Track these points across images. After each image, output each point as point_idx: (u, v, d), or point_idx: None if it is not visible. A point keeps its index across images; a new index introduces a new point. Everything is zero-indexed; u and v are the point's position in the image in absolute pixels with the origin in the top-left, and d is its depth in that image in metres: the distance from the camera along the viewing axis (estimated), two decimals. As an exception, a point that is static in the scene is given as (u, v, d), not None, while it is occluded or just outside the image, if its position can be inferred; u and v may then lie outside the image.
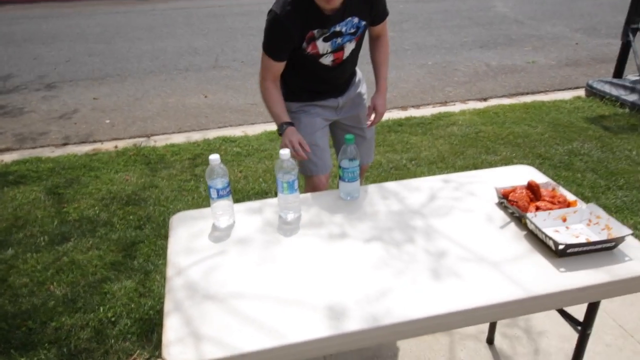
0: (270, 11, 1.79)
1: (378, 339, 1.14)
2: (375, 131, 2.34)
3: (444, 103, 4.70)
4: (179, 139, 4.02)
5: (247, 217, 1.55)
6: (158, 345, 2.02)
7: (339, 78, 2.07)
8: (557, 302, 1.26)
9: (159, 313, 2.18)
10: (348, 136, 1.56)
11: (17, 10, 9.51)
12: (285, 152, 1.48)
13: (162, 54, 6.43)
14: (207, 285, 1.25)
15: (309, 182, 2.13)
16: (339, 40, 1.87)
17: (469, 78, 5.32)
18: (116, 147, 3.90)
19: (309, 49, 1.86)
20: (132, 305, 2.22)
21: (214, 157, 1.45)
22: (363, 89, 2.21)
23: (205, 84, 5.35)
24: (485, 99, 4.76)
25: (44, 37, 7.45)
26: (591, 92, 4.56)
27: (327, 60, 1.93)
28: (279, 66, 1.90)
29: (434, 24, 7.50)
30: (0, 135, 4.28)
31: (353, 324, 1.11)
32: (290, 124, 1.91)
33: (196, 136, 4.05)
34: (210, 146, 3.80)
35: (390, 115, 4.34)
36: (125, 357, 1.98)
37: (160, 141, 3.99)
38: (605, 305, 2.08)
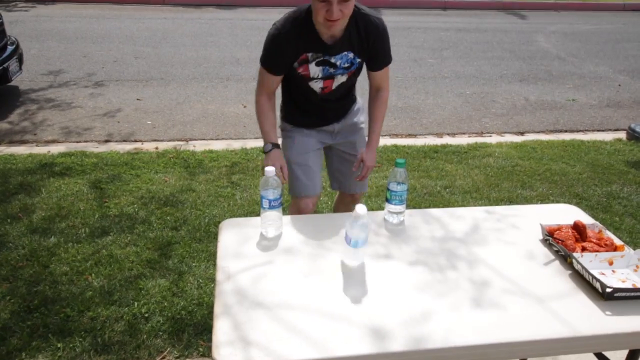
0: (274, 24, 1.85)
1: (420, 362, 1.15)
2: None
3: (480, 134, 4.70)
4: (217, 145, 4.12)
5: (294, 230, 1.59)
6: (188, 345, 2.07)
7: (327, 108, 2.07)
8: (601, 345, 1.26)
9: (191, 314, 2.23)
10: (399, 160, 1.59)
11: (71, 9, 9.94)
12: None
13: (205, 62, 6.62)
14: (255, 292, 1.30)
15: (295, 202, 2.10)
16: (332, 70, 1.91)
17: (506, 111, 5.30)
18: (157, 148, 4.02)
19: (300, 70, 1.90)
20: (165, 304, 2.28)
21: (269, 169, 1.51)
22: (361, 118, 2.20)
23: (245, 94, 5.48)
24: (522, 133, 4.73)
25: (95, 36, 7.76)
26: (633, 135, 4.50)
27: (316, 87, 1.96)
28: (274, 80, 1.94)
29: (474, 54, 7.51)
30: (49, 127, 4.47)
31: (396, 344, 1.14)
32: (277, 145, 1.92)
33: (235, 144, 4.14)
34: (247, 155, 3.88)
35: (425, 141, 4.36)
36: (156, 353, 2.03)
37: (199, 146, 4.09)
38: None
